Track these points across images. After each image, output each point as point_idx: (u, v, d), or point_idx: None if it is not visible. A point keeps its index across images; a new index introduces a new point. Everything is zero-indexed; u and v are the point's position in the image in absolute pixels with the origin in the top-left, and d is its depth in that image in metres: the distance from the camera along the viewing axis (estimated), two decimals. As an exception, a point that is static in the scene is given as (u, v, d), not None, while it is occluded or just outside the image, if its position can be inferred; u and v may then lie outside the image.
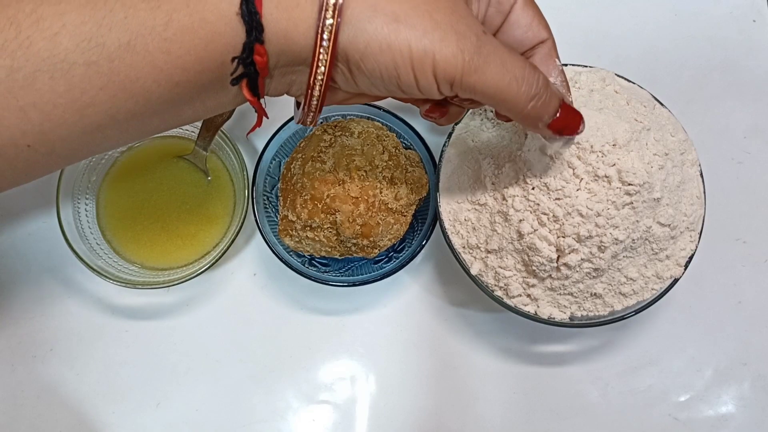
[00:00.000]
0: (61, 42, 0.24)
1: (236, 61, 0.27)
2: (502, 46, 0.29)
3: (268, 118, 0.31)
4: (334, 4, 0.25)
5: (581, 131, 0.33)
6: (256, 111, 0.30)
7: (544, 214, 0.37)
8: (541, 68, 0.32)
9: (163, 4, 0.25)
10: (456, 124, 0.43)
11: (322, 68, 0.27)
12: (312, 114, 0.30)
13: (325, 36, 0.26)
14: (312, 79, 0.28)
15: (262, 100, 0.29)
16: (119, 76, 0.25)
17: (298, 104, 0.32)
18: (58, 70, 0.24)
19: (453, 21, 0.27)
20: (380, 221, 0.42)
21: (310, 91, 0.28)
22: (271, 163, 0.49)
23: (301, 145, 0.46)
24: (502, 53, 0.28)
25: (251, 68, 0.27)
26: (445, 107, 0.34)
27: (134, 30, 0.25)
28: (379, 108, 0.48)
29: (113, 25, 0.25)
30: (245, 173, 0.46)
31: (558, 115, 0.31)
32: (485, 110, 0.43)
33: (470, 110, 0.43)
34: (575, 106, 0.38)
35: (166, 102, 0.27)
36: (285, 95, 0.31)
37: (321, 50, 0.26)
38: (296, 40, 0.26)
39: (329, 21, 0.26)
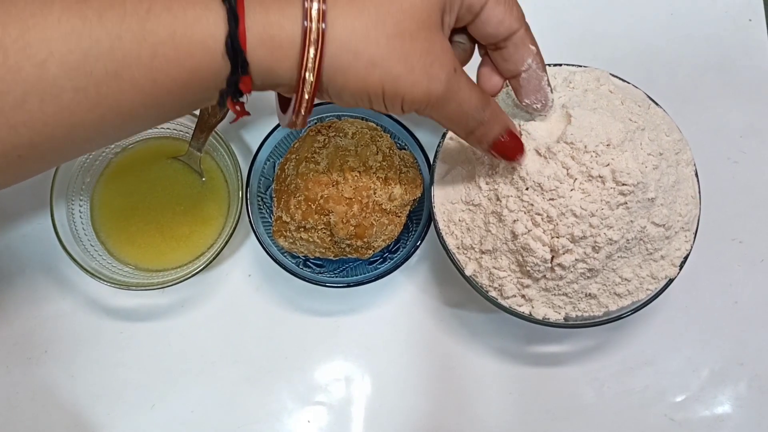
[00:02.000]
0: (49, 68, 0.25)
1: (222, 93, 0.28)
2: (465, 83, 0.31)
3: (249, 114, 0.32)
4: (315, 50, 0.27)
5: (519, 162, 0.36)
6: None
7: (538, 214, 0.37)
8: (516, 56, 0.34)
9: (148, 36, 0.26)
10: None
11: (307, 96, 0.29)
12: (301, 116, 0.30)
13: (307, 78, 0.27)
14: (296, 104, 0.29)
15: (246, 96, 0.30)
16: (107, 100, 0.26)
17: (281, 106, 0.33)
18: (48, 94, 0.25)
19: (427, 64, 0.29)
20: (374, 222, 0.42)
21: (296, 110, 0.29)
22: (265, 163, 0.49)
23: (295, 145, 0.45)
24: (462, 92, 0.31)
25: (236, 93, 0.28)
26: None
27: (121, 60, 0.25)
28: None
29: (99, 55, 0.25)
30: (239, 174, 0.46)
31: (502, 139, 0.35)
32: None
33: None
34: (569, 105, 0.38)
35: (152, 117, 0.28)
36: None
37: (304, 88, 0.28)
38: (280, 74, 0.28)
39: (310, 65, 0.27)
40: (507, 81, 0.36)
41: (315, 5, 0.26)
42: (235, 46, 0.26)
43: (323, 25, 0.27)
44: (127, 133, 0.29)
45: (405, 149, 0.48)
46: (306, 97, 0.28)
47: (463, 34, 0.34)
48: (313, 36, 0.27)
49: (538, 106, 0.37)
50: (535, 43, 0.34)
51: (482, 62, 0.36)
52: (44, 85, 0.25)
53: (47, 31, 0.25)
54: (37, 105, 0.25)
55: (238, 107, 0.29)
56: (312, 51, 0.27)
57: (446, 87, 0.30)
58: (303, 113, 0.29)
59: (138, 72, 0.26)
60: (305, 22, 0.27)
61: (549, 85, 0.36)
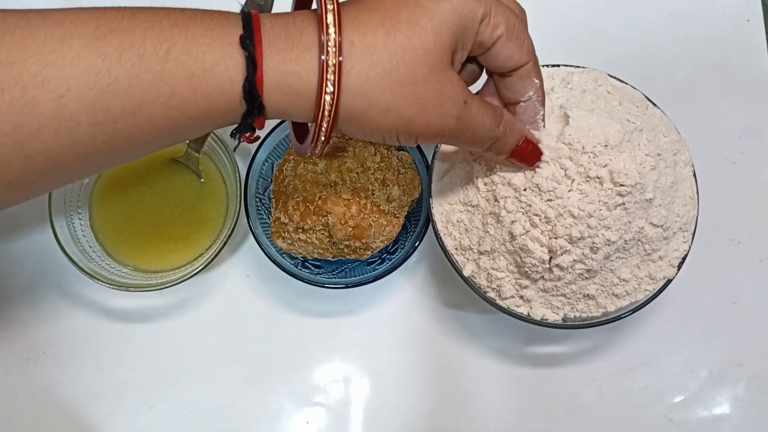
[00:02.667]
0: (66, 104, 0.25)
1: (237, 132, 0.30)
2: (477, 109, 0.32)
3: (259, 138, 0.33)
4: (331, 100, 0.28)
5: (536, 167, 0.37)
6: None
7: (536, 215, 0.37)
8: (518, 86, 0.34)
9: (167, 76, 0.26)
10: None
11: (323, 138, 0.30)
12: (319, 149, 0.31)
13: (323, 125, 0.29)
14: (313, 144, 0.30)
15: None
16: (122, 134, 0.26)
17: (296, 136, 0.34)
18: (63, 128, 0.25)
19: (439, 103, 0.30)
20: (372, 223, 0.42)
21: (312, 150, 0.31)
22: (263, 165, 0.49)
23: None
24: (476, 119, 0.32)
25: (250, 128, 0.29)
26: None
27: (138, 98, 0.26)
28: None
29: (117, 93, 0.25)
30: (238, 175, 0.46)
31: (520, 145, 0.35)
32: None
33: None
34: (567, 106, 0.38)
35: (165, 145, 0.29)
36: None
37: (320, 130, 0.29)
38: (295, 116, 0.29)
39: (327, 111, 0.28)
40: (505, 106, 0.36)
41: (332, 58, 0.27)
42: (252, 92, 0.27)
43: (339, 76, 0.27)
44: (137, 158, 0.30)
45: (403, 150, 0.48)
46: (322, 138, 0.29)
47: (473, 62, 0.34)
48: (329, 87, 0.27)
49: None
50: (540, 77, 0.34)
51: (485, 84, 0.36)
52: (61, 119, 0.25)
53: (66, 68, 0.25)
54: (52, 137, 0.25)
55: (250, 137, 0.30)
56: (328, 99, 0.28)
57: (458, 121, 0.31)
58: (320, 148, 0.30)
59: (155, 110, 0.26)
60: (322, 74, 0.27)
61: (543, 120, 0.36)
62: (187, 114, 0.27)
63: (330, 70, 0.27)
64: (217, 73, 0.26)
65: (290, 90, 0.28)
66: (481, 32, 0.31)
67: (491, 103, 0.34)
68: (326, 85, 0.27)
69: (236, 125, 0.29)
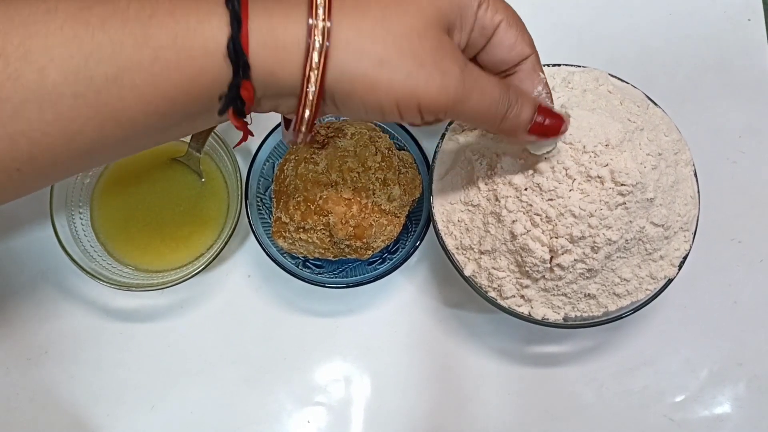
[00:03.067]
0: (49, 75, 0.24)
1: (223, 98, 0.27)
2: (480, 72, 0.30)
3: (253, 135, 0.32)
4: (320, 49, 0.26)
5: (564, 132, 0.34)
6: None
7: (537, 214, 0.37)
8: (526, 83, 0.33)
9: (150, 40, 0.25)
10: (449, 124, 0.43)
11: (310, 103, 0.28)
12: (301, 134, 0.30)
13: (311, 79, 0.27)
14: (301, 108, 0.28)
15: (248, 117, 0.30)
16: (107, 107, 0.26)
17: (286, 123, 0.32)
18: (46, 101, 0.25)
19: (437, 59, 0.28)
20: (373, 223, 0.42)
21: (300, 116, 0.29)
22: (264, 164, 0.49)
23: (294, 146, 0.45)
24: (481, 81, 0.30)
25: (238, 101, 0.28)
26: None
27: (121, 65, 0.25)
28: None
29: (101, 59, 0.25)
30: (239, 175, 0.46)
31: (537, 120, 0.32)
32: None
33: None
34: (568, 105, 0.38)
35: (153, 128, 0.28)
36: None
37: (308, 89, 0.27)
38: (283, 78, 0.27)
39: (315, 62, 0.26)
40: None
41: (321, 9, 0.26)
42: (237, 49, 0.26)
43: (329, 23, 0.26)
44: (126, 148, 0.29)
45: (404, 150, 0.48)
46: (310, 97, 0.27)
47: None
48: (318, 35, 0.26)
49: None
50: (543, 72, 0.33)
51: None
52: (43, 91, 0.25)
53: (50, 38, 0.25)
54: (35, 113, 0.25)
55: (240, 123, 0.29)
56: (317, 46, 0.26)
57: (462, 79, 0.28)
58: (307, 120, 0.28)
59: (139, 77, 0.25)
60: (310, 20, 0.26)
61: None
62: (171, 81, 0.26)
63: (320, 17, 0.26)
64: (201, 33, 0.26)
65: (277, 44, 0.26)
66: (481, 16, 0.30)
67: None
68: (314, 34, 0.26)
69: (223, 104, 0.28)
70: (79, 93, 0.25)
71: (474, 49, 0.32)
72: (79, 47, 0.25)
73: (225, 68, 0.26)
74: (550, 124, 0.33)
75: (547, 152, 0.36)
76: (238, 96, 0.27)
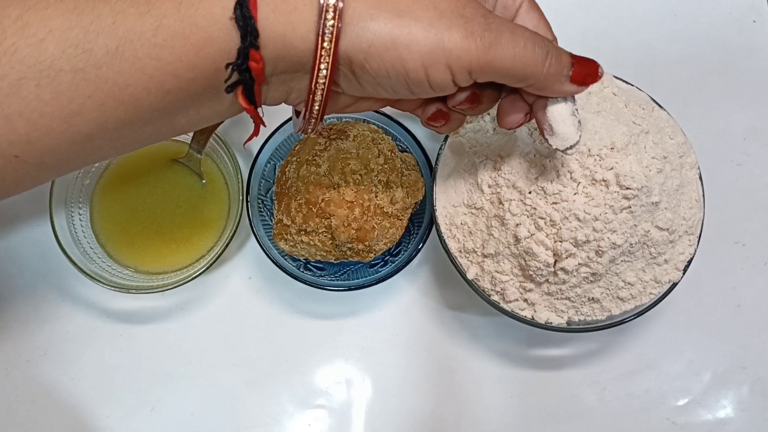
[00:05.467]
0: (47, 48, 0.24)
1: (230, 67, 0.26)
2: (504, 19, 0.28)
3: (265, 126, 0.30)
4: (335, 6, 0.25)
5: (602, 73, 0.31)
6: (253, 119, 0.29)
7: (541, 218, 0.37)
8: None
9: (152, 8, 0.24)
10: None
11: (324, 72, 0.26)
12: (313, 121, 0.29)
13: (326, 38, 0.25)
14: (313, 83, 0.27)
15: (259, 109, 0.28)
16: (107, 84, 0.24)
17: (297, 112, 0.31)
18: (44, 78, 0.24)
19: (458, 6, 0.26)
20: (375, 225, 0.42)
21: (311, 96, 0.27)
22: (266, 166, 0.48)
23: (296, 148, 0.45)
24: (508, 24, 0.28)
25: (246, 75, 0.26)
26: (447, 114, 0.33)
27: (122, 35, 0.24)
28: (375, 111, 0.47)
29: (101, 30, 0.24)
30: (240, 176, 0.46)
31: (574, 67, 0.30)
32: (483, 114, 0.43)
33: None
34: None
35: (157, 110, 0.26)
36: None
37: (322, 53, 0.25)
38: (295, 44, 0.26)
39: (330, 23, 0.25)
40: (533, 114, 0.32)
41: None
42: (244, 12, 0.24)
43: None
44: (129, 136, 0.27)
45: (407, 152, 0.48)
46: (324, 67, 0.25)
47: (490, 87, 0.31)
48: None
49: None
50: None
51: (500, 104, 0.33)
52: (41, 67, 0.24)
53: (49, 10, 0.24)
54: (33, 91, 0.24)
55: (250, 108, 0.27)
56: (331, 3, 0.24)
57: (487, 22, 0.26)
58: (320, 98, 0.27)
59: (141, 48, 0.24)
60: None
61: (577, 114, 0.31)
62: (175, 53, 0.24)
63: None
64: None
65: (288, 6, 0.25)
66: None
67: None
68: None
69: (231, 77, 0.26)
70: (78, 68, 0.24)
71: None
72: (79, 18, 0.24)
73: (233, 34, 0.25)
74: (590, 66, 0.30)
75: (571, 147, 0.32)
76: (246, 68, 0.26)
